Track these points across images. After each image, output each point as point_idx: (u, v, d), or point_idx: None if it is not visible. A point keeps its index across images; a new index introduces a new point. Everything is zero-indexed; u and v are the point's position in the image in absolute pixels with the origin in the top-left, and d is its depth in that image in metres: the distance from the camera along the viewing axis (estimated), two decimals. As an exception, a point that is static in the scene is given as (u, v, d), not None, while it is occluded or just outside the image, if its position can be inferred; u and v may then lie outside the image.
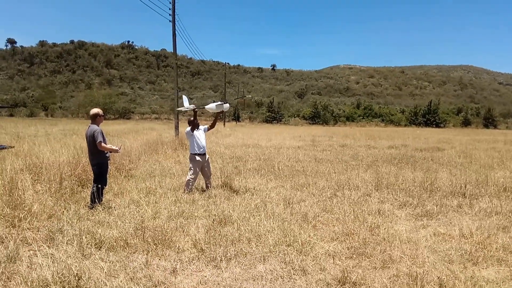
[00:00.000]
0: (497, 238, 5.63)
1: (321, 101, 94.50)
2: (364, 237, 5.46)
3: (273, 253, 4.91)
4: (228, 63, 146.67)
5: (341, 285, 4.10)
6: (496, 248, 5.20)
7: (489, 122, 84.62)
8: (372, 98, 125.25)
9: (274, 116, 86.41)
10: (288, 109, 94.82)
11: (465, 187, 8.87)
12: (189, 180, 8.36)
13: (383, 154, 17.26)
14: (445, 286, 4.03)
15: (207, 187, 8.77)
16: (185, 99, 8.97)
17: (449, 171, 11.85)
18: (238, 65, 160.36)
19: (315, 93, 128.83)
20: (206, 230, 5.68)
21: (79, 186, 8.33)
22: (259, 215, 6.46)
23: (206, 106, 8.76)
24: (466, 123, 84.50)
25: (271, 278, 4.26)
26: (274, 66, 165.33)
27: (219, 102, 8.69)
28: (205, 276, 4.33)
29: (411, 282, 4.09)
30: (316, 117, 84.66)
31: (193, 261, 4.72)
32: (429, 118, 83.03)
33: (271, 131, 43.67)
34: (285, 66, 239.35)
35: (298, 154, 16.66)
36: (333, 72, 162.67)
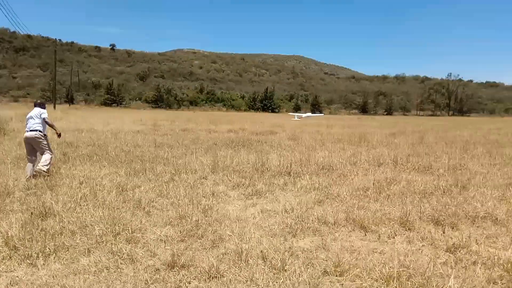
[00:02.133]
0: (314, 211, 6.33)
1: (164, 84, 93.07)
2: (197, 219, 5.55)
3: (100, 244, 4.62)
4: (59, 40, 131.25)
5: (170, 269, 4.08)
6: (312, 220, 5.83)
7: (316, 107, 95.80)
8: (215, 83, 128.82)
9: (113, 99, 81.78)
10: (130, 92, 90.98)
11: (291, 166, 9.77)
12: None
13: (222, 137, 17.91)
14: (267, 258, 4.36)
15: (34, 175, 7.83)
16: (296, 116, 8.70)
17: (279, 152, 12.92)
18: (72, 42, 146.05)
19: (158, 76, 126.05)
20: (21, 225, 5.02)
21: None
22: (87, 205, 6.01)
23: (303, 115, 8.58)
24: (297, 109, 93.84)
25: (95, 271, 3.99)
26: (113, 45, 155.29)
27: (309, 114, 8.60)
28: (17, 276, 3.83)
29: (237, 258, 4.32)
30: (159, 101, 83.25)
31: (4, 261, 4.15)
32: (266, 103, 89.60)
33: (110, 115, 41.23)
34: (126, 46, 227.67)
35: (137, 138, 16.09)
36: (177, 56, 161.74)
